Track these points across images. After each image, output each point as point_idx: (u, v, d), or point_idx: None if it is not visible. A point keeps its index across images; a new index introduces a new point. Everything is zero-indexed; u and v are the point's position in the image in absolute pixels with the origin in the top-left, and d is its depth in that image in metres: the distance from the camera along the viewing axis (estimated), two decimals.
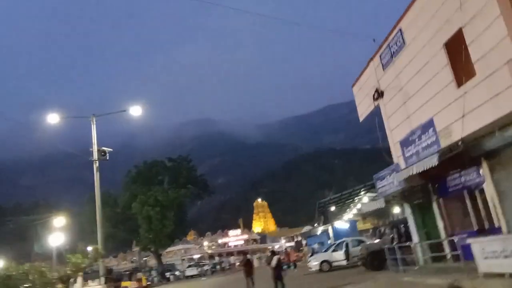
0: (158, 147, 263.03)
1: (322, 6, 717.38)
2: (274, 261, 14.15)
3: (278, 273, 14.03)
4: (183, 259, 69.02)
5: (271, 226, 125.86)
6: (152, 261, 63.79)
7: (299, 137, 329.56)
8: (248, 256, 20.30)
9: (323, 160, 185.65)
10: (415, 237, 16.11)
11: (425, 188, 15.17)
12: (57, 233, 33.23)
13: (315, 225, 51.64)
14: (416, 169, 12.69)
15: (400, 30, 14.39)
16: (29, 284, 19.37)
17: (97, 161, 17.25)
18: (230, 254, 73.42)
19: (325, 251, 27.14)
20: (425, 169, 12.18)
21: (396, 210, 35.35)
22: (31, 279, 19.01)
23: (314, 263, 25.60)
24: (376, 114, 17.19)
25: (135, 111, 17.69)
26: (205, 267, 51.55)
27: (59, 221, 34.90)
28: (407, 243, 16.55)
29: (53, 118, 16.58)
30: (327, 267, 24.65)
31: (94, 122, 17.24)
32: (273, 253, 15.54)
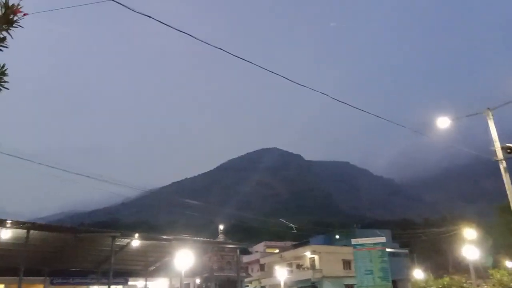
0: None
1: None
2: None
3: None
4: None
5: None
6: None
7: None
8: None
9: None
10: None
11: None
12: (469, 246, 31.82)
13: None
14: None
15: None
16: None
17: (503, 161, 14.97)
18: None
19: None
20: None
21: None
22: None
23: None
24: None
25: None
26: None
27: (470, 233, 33.25)
28: None
29: (443, 122, 15.56)
30: None
31: (491, 117, 15.17)
32: None
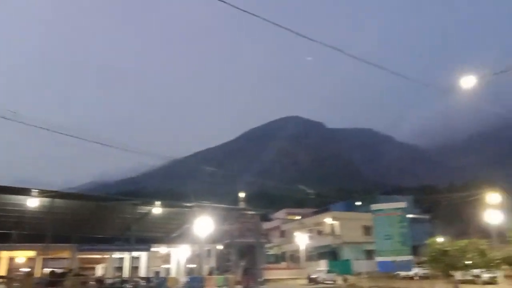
0: None
1: None
2: None
3: None
4: None
5: None
6: None
7: None
8: None
9: None
10: None
11: None
12: (492, 210, 31.28)
13: None
14: None
15: None
16: (467, 261, 18.65)
17: None
18: None
19: None
20: None
21: None
22: (469, 256, 18.25)
23: None
24: None
25: None
26: None
27: (493, 198, 32.59)
28: None
29: (467, 82, 13.81)
30: None
31: None
32: None
